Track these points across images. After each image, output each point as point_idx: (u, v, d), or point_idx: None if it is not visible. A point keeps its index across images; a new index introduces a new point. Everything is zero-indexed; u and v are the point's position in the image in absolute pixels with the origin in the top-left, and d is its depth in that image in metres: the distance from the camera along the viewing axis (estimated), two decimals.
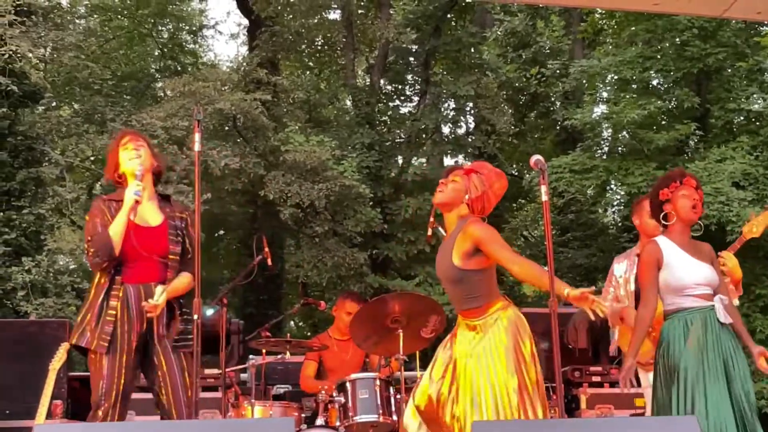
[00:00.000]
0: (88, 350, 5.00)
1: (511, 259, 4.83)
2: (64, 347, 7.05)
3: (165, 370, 5.02)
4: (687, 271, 5.21)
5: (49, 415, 7.20)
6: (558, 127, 21.72)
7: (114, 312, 4.95)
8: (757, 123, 17.80)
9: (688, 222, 5.37)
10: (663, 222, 5.39)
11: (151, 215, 5.15)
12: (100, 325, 4.94)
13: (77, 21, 20.12)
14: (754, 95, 18.29)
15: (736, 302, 5.71)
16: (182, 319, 5.14)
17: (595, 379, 8.95)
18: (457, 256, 4.97)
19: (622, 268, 6.69)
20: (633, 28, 19.24)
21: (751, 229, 5.92)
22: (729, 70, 18.45)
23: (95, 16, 21.43)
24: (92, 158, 19.36)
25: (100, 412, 4.93)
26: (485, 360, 4.87)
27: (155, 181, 5.33)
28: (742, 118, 18.38)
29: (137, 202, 4.94)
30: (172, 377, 5.01)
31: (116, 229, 4.93)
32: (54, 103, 19.72)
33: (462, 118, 23.49)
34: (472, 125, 23.28)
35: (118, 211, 5.01)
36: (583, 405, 8.76)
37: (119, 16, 22.73)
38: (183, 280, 5.12)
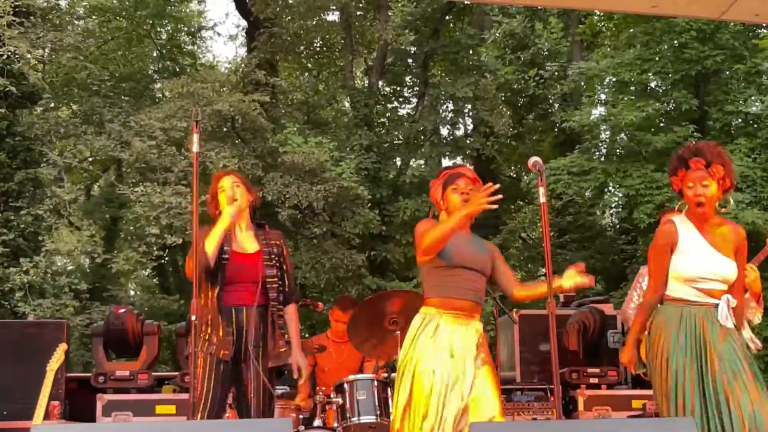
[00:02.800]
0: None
1: (514, 280, 5.35)
2: (61, 348, 7.06)
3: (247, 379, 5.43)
4: (701, 260, 4.90)
5: (47, 416, 7.20)
6: (556, 129, 21.73)
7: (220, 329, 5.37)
8: (755, 125, 17.81)
9: (698, 214, 4.97)
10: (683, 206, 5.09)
11: (248, 243, 5.57)
12: (210, 337, 5.36)
13: (76, 22, 20.12)
14: (752, 97, 18.30)
15: (758, 319, 5.49)
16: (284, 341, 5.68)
17: (593, 380, 8.94)
18: (490, 256, 5.22)
19: (647, 276, 6.65)
20: (631, 30, 19.26)
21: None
22: (727, 73, 18.46)
23: (94, 17, 21.42)
24: (90, 159, 19.40)
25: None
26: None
27: (252, 213, 5.79)
28: (740, 120, 18.38)
29: (232, 222, 5.44)
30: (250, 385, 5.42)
31: (210, 240, 5.34)
32: (52, 104, 19.72)
33: (460, 119, 23.52)
34: (470, 127, 23.31)
35: (226, 240, 5.47)
36: (580, 406, 8.76)
37: (118, 17, 22.72)
38: (294, 318, 5.78)
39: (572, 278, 4.93)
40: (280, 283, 5.59)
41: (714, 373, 4.74)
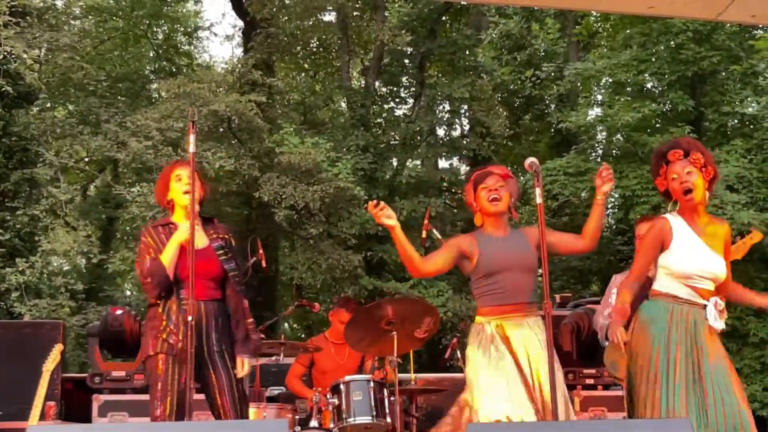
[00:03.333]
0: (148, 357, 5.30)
1: (574, 235, 5.29)
2: (57, 349, 7.05)
3: (215, 377, 5.32)
4: (694, 258, 4.88)
5: (43, 416, 7.19)
6: (552, 130, 21.75)
7: (178, 323, 5.25)
8: (751, 126, 17.84)
9: (688, 207, 4.96)
10: (673, 208, 5.06)
11: (198, 238, 5.29)
12: (166, 337, 5.24)
13: (72, 22, 20.13)
14: (748, 98, 18.33)
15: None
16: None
17: (589, 381, 8.94)
18: (534, 248, 5.14)
19: (619, 282, 6.63)
20: (628, 31, 19.29)
21: (734, 253, 5.80)
22: (723, 74, 18.49)
23: (90, 17, 21.42)
24: (87, 159, 19.37)
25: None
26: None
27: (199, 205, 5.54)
28: (736, 121, 18.42)
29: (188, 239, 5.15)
30: (219, 383, 5.32)
31: (168, 256, 5.23)
32: (48, 104, 19.72)
33: (457, 120, 23.51)
34: (466, 128, 23.30)
35: (167, 235, 5.35)
36: (576, 407, 8.76)
37: (114, 18, 22.70)
38: (248, 311, 5.52)
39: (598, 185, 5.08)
40: (240, 275, 5.55)
41: (703, 371, 4.74)
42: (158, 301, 5.29)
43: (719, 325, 4.84)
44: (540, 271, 4.76)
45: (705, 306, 4.87)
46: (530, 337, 5.00)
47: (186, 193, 5.36)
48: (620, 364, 6.26)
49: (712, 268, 4.88)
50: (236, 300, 5.45)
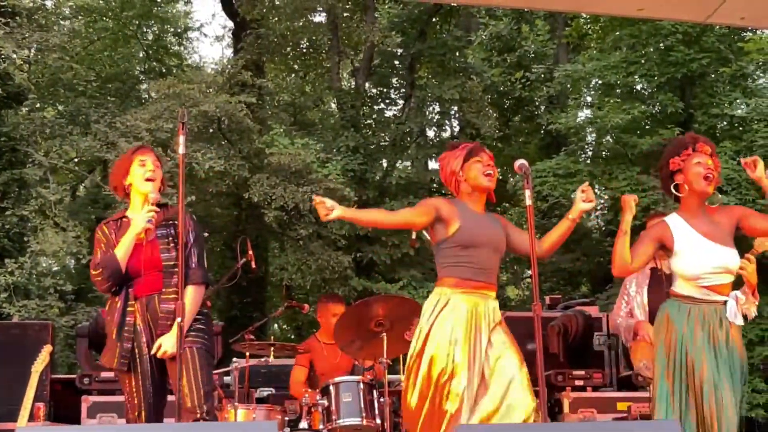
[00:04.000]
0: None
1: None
2: (46, 350, 7.04)
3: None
4: (699, 258, 4.83)
5: (31, 417, 7.19)
6: (542, 131, 21.78)
7: (130, 329, 5.07)
8: (740, 128, 17.88)
9: (701, 195, 4.93)
10: (675, 193, 5.00)
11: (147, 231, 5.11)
12: (121, 344, 5.06)
13: (62, 22, 20.08)
14: (738, 100, 18.38)
15: (754, 311, 5.29)
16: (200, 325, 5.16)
17: (578, 383, 8.96)
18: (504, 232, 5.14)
19: (634, 281, 6.62)
20: (617, 33, 19.31)
21: (763, 243, 5.79)
22: (712, 76, 18.53)
23: (80, 17, 21.36)
24: (76, 160, 19.32)
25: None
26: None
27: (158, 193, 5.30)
28: (725, 123, 18.46)
29: (148, 229, 5.03)
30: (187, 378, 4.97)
31: (122, 251, 5.02)
32: (38, 105, 19.64)
33: (447, 121, 23.55)
34: (456, 129, 23.33)
35: (119, 230, 5.14)
36: (566, 409, 8.77)
37: (104, 18, 22.64)
38: (188, 298, 4.99)
39: (577, 202, 5.04)
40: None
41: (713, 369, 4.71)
42: (114, 297, 5.11)
43: (739, 321, 4.78)
44: (529, 272, 4.76)
45: (725, 302, 4.83)
46: (493, 318, 5.00)
47: (148, 180, 5.15)
48: (651, 363, 6.25)
49: (720, 261, 4.83)
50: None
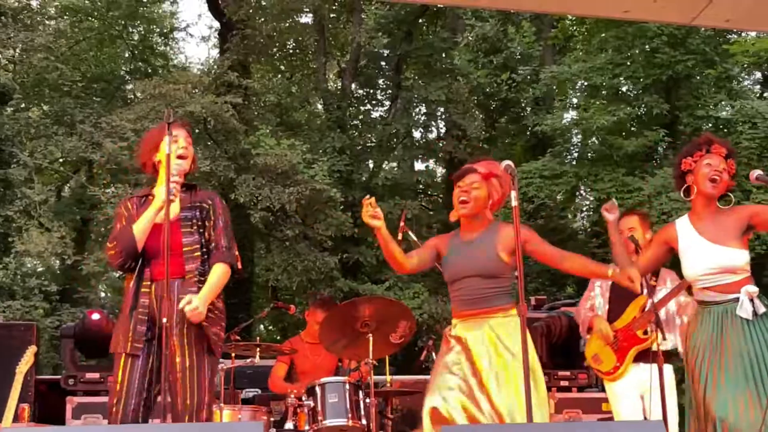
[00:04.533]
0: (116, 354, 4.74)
1: (562, 255, 5.01)
2: (31, 350, 7.01)
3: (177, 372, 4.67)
4: (698, 259, 4.80)
5: (16, 418, 7.15)
6: (528, 133, 21.80)
7: (144, 310, 4.72)
8: (725, 130, 17.94)
9: (707, 196, 4.85)
10: (685, 196, 4.95)
11: (173, 210, 4.72)
12: (134, 326, 4.69)
13: (47, 22, 20.01)
14: (722, 102, 18.46)
15: None
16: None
17: (564, 383, 8.98)
18: (504, 252, 4.98)
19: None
20: (603, 35, 19.37)
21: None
22: (698, 78, 18.60)
23: (65, 17, 21.31)
24: (61, 160, 19.26)
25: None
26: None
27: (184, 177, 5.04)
28: (710, 125, 18.52)
29: (170, 201, 4.62)
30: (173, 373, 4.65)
31: (140, 226, 4.72)
32: (23, 105, 19.61)
33: (433, 122, 23.56)
34: (443, 130, 23.35)
35: (141, 206, 4.87)
36: (551, 409, 8.79)
37: (89, 18, 22.59)
38: (215, 274, 4.78)
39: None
40: (203, 251, 4.83)
41: (723, 367, 4.67)
42: (128, 274, 4.80)
43: (744, 314, 4.69)
44: (516, 273, 4.74)
45: (737, 299, 4.74)
46: (487, 339, 4.91)
47: (181, 157, 4.89)
48: (602, 356, 6.30)
49: (717, 262, 4.77)
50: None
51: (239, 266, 5.44)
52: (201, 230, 4.85)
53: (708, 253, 4.79)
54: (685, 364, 4.89)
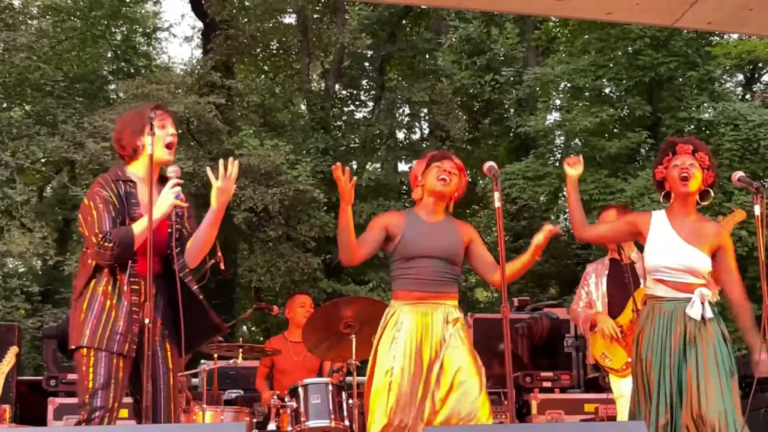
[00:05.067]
0: (81, 348, 4.35)
1: (494, 265, 5.04)
2: (12, 351, 6.98)
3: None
4: (665, 252, 4.82)
5: None
6: (511, 134, 21.84)
7: (137, 309, 4.40)
8: (707, 132, 18.01)
9: (681, 195, 4.88)
10: (665, 202, 4.98)
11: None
12: (127, 325, 4.37)
13: (29, 22, 19.91)
14: (705, 104, 18.54)
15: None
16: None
17: (546, 384, 9.00)
18: (464, 242, 5.06)
19: (594, 272, 6.65)
20: (586, 37, 19.43)
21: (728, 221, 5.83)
22: (680, 80, 18.68)
23: (48, 17, 21.21)
24: (43, 160, 19.19)
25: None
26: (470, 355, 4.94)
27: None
28: (692, 126, 18.59)
29: (179, 206, 4.43)
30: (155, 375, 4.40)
31: (142, 229, 4.34)
32: (5, 104, 19.50)
33: (416, 123, 23.58)
34: (426, 131, 23.37)
35: (125, 193, 4.48)
36: (533, 410, 8.81)
37: (72, 18, 22.49)
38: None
39: (540, 234, 4.90)
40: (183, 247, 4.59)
41: (681, 369, 4.68)
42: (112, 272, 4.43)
43: (693, 313, 4.72)
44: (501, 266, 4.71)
45: (689, 299, 4.77)
46: (437, 327, 4.91)
47: (169, 146, 4.61)
48: (611, 353, 6.27)
49: (685, 260, 4.79)
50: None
51: (222, 267, 5.35)
52: (180, 226, 4.61)
53: (678, 249, 4.81)
54: (636, 360, 4.87)
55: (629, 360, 6.10)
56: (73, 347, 4.41)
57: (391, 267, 5.15)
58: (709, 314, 4.74)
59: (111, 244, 4.33)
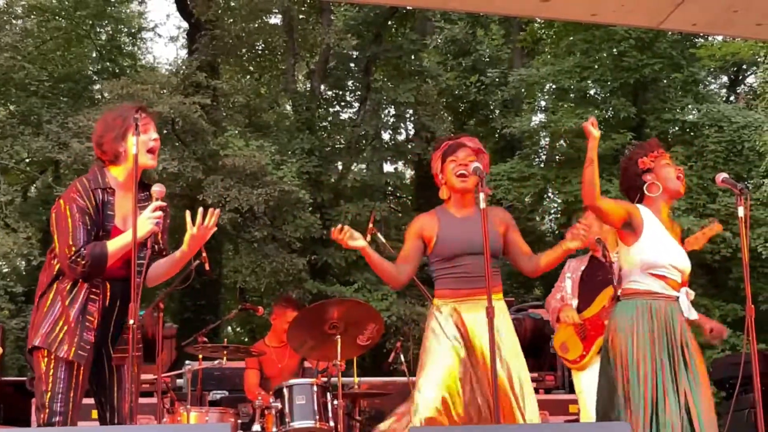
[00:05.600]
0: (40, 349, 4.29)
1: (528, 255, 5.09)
2: None
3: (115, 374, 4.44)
4: (665, 249, 4.79)
5: None
6: (497, 135, 21.88)
7: (92, 318, 4.33)
8: (692, 133, 18.11)
9: (674, 195, 4.91)
10: (646, 193, 4.91)
11: (129, 216, 4.33)
12: (80, 333, 4.29)
13: (14, 21, 19.84)
14: (689, 106, 18.61)
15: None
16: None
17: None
18: (500, 232, 5.01)
19: (572, 265, 6.70)
20: (571, 38, 19.47)
21: (693, 243, 5.82)
22: (665, 81, 18.75)
23: (32, 16, 21.14)
24: (27, 160, 19.11)
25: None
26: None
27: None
28: (677, 128, 18.68)
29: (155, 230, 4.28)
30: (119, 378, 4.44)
31: (116, 248, 4.28)
32: None
33: (402, 124, 23.56)
34: (411, 132, 23.37)
35: (102, 203, 4.35)
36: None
37: (57, 17, 22.40)
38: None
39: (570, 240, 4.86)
40: (148, 263, 4.44)
41: (681, 372, 4.66)
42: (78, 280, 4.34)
43: (693, 315, 4.75)
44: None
45: (677, 298, 4.76)
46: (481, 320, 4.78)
47: (150, 151, 4.48)
48: (570, 344, 6.32)
49: (681, 261, 4.81)
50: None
51: (207, 267, 5.31)
52: (153, 242, 4.41)
53: (672, 248, 4.82)
54: (616, 353, 4.78)
55: (584, 353, 6.14)
56: (30, 347, 4.38)
57: (431, 267, 5.08)
58: (693, 315, 4.76)
59: (84, 262, 4.25)
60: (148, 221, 4.26)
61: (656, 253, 4.77)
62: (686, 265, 4.83)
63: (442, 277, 5.00)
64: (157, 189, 4.38)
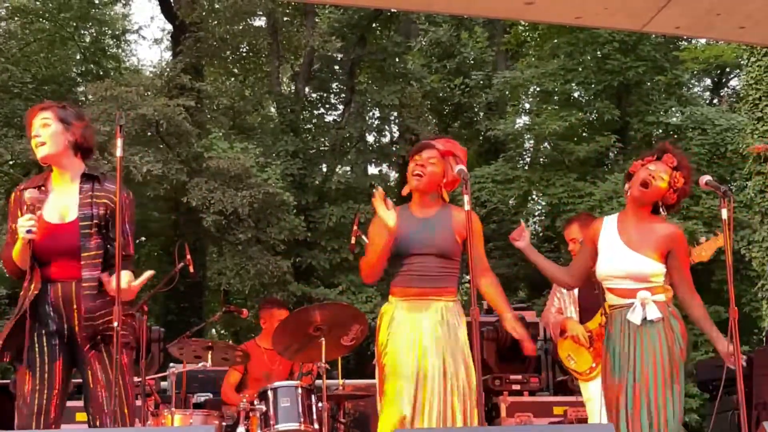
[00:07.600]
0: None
1: (487, 268, 5.06)
2: None
3: (90, 373, 4.33)
4: (608, 261, 4.79)
5: None
6: (481, 138, 21.92)
7: (43, 318, 4.30)
8: (675, 136, 18.16)
9: (634, 200, 4.82)
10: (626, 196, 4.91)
11: (69, 208, 4.31)
12: (17, 335, 4.27)
13: None
14: (673, 108, 18.68)
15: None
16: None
17: (515, 387, 9.03)
18: (458, 236, 4.95)
19: None
20: (555, 41, 19.54)
21: (700, 254, 5.83)
22: (648, 84, 18.81)
23: (16, 18, 21.06)
24: (11, 162, 19.04)
25: None
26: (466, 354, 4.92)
27: (82, 156, 4.50)
28: (660, 131, 18.74)
29: (30, 239, 4.15)
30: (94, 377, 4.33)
31: (19, 258, 4.28)
32: None
33: (386, 127, 23.61)
34: (396, 134, 23.41)
35: (37, 199, 4.19)
36: (503, 413, 8.84)
37: (40, 19, 22.34)
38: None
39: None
40: (107, 256, 4.30)
41: (628, 372, 4.69)
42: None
43: (634, 318, 4.70)
44: (468, 276, 4.74)
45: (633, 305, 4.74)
46: (433, 322, 4.89)
47: (39, 146, 4.42)
48: (576, 356, 6.32)
49: (624, 267, 4.76)
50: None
51: (191, 269, 5.29)
52: (104, 231, 4.33)
53: (619, 256, 4.79)
54: (603, 369, 4.89)
55: (593, 365, 6.16)
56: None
57: (389, 264, 5.06)
58: (652, 316, 4.71)
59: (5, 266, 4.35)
60: (21, 230, 4.16)
61: (603, 266, 4.84)
62: (634, 269, 4.76)
63: (395, 274, 5.02)
64: (28, 196, 4.26)
